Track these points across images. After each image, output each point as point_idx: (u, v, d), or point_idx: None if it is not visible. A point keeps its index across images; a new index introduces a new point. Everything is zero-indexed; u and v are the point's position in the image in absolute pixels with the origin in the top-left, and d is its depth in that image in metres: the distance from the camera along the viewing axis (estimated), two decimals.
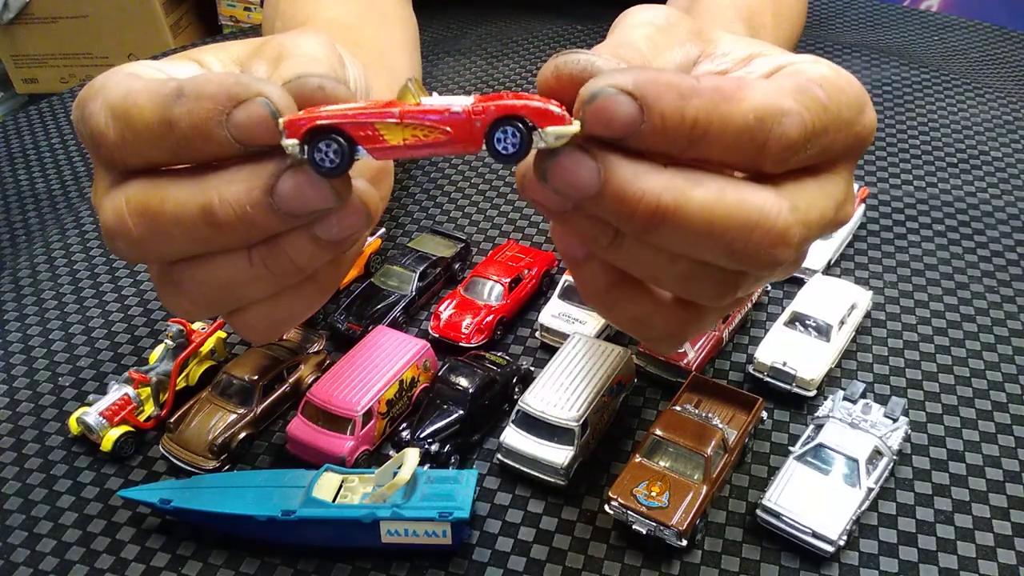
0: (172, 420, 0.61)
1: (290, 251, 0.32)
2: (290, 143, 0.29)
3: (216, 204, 0.30)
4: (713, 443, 0.55)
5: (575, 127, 0.29)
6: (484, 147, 0.29)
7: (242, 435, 0.60)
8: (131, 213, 0.32)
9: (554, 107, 0.29)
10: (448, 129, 0.29)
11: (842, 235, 0.76)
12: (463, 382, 0.61)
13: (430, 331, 0.69)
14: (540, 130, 0.29)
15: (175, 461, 0.60)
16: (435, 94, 0.31)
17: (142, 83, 0.31)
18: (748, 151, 0.30)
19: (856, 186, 0.78)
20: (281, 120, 0.29)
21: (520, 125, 0.29)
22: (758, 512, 0.54)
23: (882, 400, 0.62)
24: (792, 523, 0.52)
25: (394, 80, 0.68)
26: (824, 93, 0.32)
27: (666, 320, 0.36)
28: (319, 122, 0.29)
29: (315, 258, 0.33)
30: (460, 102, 0.29)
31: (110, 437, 0.60)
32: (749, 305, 0.69)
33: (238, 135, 0.29)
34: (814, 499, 0.53)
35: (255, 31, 1.30)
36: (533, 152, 0.30)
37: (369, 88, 0.38)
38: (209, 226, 0.31)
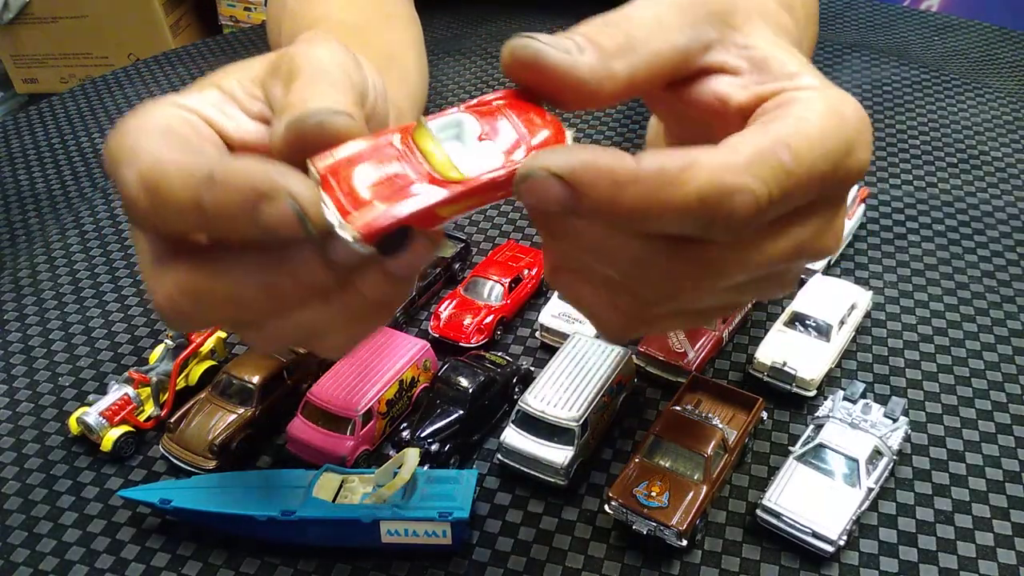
0: (172, 420, 0.61)
1: (366, 290, 0.33)
2: (367, 250, 0.29)
3: (284, 285, 0.31)
4: (713, 443, 0.55)
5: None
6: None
7: (242, 435, 0.60)
8: (183, 295, 0.32)
9: (558, 133, 0.31)
10: (489, 195, 0.31)
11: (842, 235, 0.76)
12: (463, 382, 0.61)
13: (430, 331, 0.69)
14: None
15: (175, 461, 0.60)
16: (430, 121, 0.31)
17: (174, 157, 0.31)
18: (695, 229, 0.30)
19: (856, 186, 0.78)
20: (355, 226, 0.29)
21: None
22: (758, 512, 0.54)
23: (882, 400, 0.62)
24: (792, 523, 0.52)
25: (404, 77, 0.68)
26: (791, 156, 0.31)
27: (607, 311, 0.36)
28: (392, 226, 0.29)
29: (391, 291, 0.33)
30: (494, 160, 0.30)
31: (110, 437, 0.60)
32: (749, 305, 0.69)
33: (265, 229, 0.29)
34: (814, 499, 0.53)
35: (255, 31, 1.30)
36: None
37: (385, 89, 0.38)
38: (274, 300, 0.31)
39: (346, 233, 0.29)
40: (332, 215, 0.29)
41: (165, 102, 0.35)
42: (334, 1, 0.68)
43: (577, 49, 0.32)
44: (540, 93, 0.33)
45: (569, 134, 0.33)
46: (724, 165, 0.30)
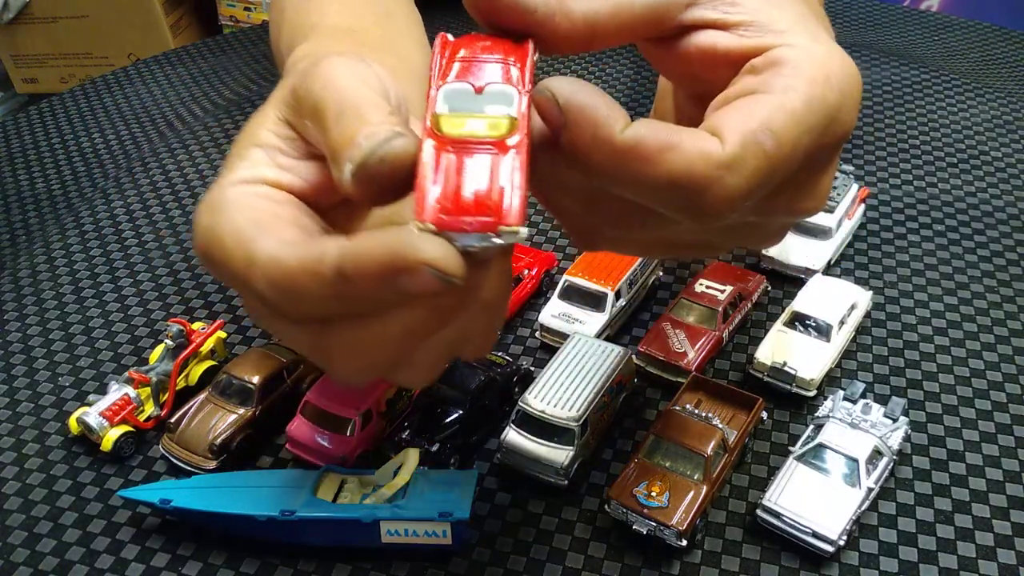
0: (172, 420, 0.61)
1: (489, 291, 0.33)
2: (522, 233, 0.29)
3: (424, 319, 0.32)
4: (713, 443, 0.55)
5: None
6: None
7: (242, 435, 0.60)
8: (313, 349, 0.34)
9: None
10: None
11: (842, 235, 0.76)
12: (463, 382, 0.61)
13: None
14: None
15: (175, 461, 0.60)
16: (437, 109, 0.31)
17: (298, 255, 0.31)
18: (659, 207, 0.31)
19: (856, 186, 0.78)
20: (512, 224, 0.29)
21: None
22: (758, 512, 0.54)
23: (882, 400, 0.62)
24: (792, 523, 0.52)
25: (410, 69, 0.68)
26: (773, 142, 0.31)
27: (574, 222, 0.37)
28: (524, 200, 0.29)
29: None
30: (511, 93, 0.31)
31: (110, 437, 0.60)
32: (749, 305, 0.69)
33: (410, 296, 0.30)
34: (814, 499, 0.53)
35: (255, 31, 1.30)
36: None
37: (396, 84, 0.38)
38: (418, 336, 0.32)
39: (503, 239, 0.29)
40: (473, 238, 0.29)
41: (232, 188, 0.35)
42: (330, 5, 0.68)
43: None
44: (491, 23, 0.33)
45: (531, 48, 0.32)
46: (704, 155, 0.30)
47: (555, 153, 0.32)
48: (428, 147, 0.30)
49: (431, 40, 0.35)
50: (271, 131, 0.37)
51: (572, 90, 0.30)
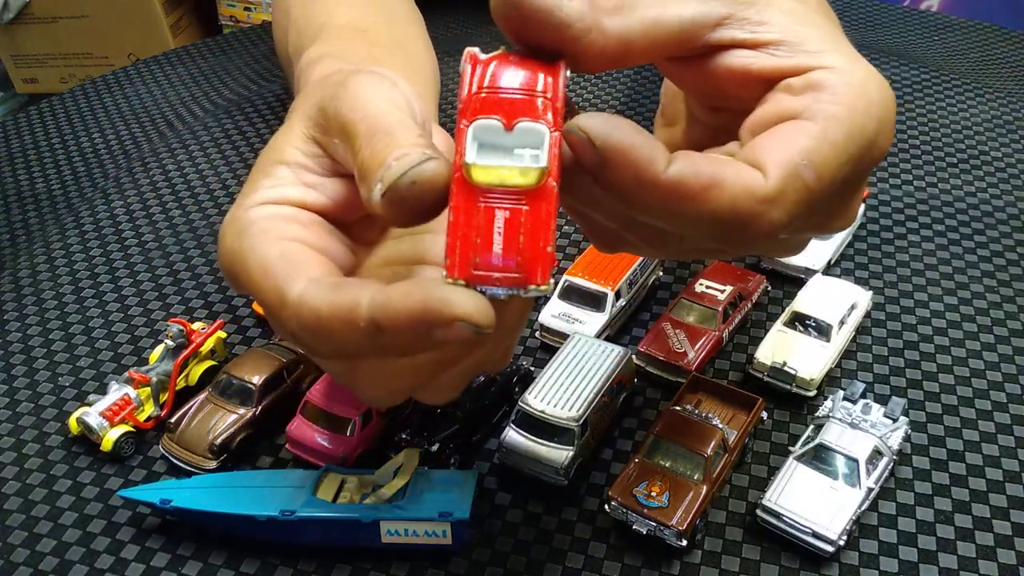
0: (172, 420, 0.61)
1: (509, 320, 0.34)
2: (545, 293, 0.30)
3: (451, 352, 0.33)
4: (713, 443, 0.55)
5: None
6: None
7: (242, 435, 0.60)
8: (341, 376, 0.36)
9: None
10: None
11: (842, 235, 0.76)
12: None
13: None
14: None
15: (175, 461, 0.60)
16: (467, 158, 0.31)
17: (328, 304, 0.31)
18: (702, 239, 0.31)
19: None
20: (539, 284, 0.30)
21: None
22: (758, 512, 0.54)
23: (882, 400, 0.62)
24: (792, 523, 0.52)
25: (417, 69, 0.68)
26: (815, 176, 0.31)
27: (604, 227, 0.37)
28: (551, 258, 0.30)
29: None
30: (539, 138, 0.30)
31: (110, 437, 0.60)
32: (749, 305, 0.69)
33: (444, 346, 0.30)
34: (814, 499, 0.53)
35: (255, 31, 1.30)
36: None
37: (421, 100, 0.38)
38: (443, 364, 0.34)
39: (534, 293, 0.30)
40: (501, 291, 0.30)
41: (256, 209, 0.36)
42: (336, 6, 0.68)
43: None
44: (523, 39, 0.31)
45: (563, 71, 0.32)
46: (748, 191, 0.30)
47: (590, 179, 0.31)
48: (458, 196, 0.30)
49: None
50: (298, 148, 0.37)
51: (607, 131, 0.29)
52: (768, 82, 0.34)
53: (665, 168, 0.29)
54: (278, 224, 0.35)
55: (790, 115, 0.33)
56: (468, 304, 0.29)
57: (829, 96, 0.32)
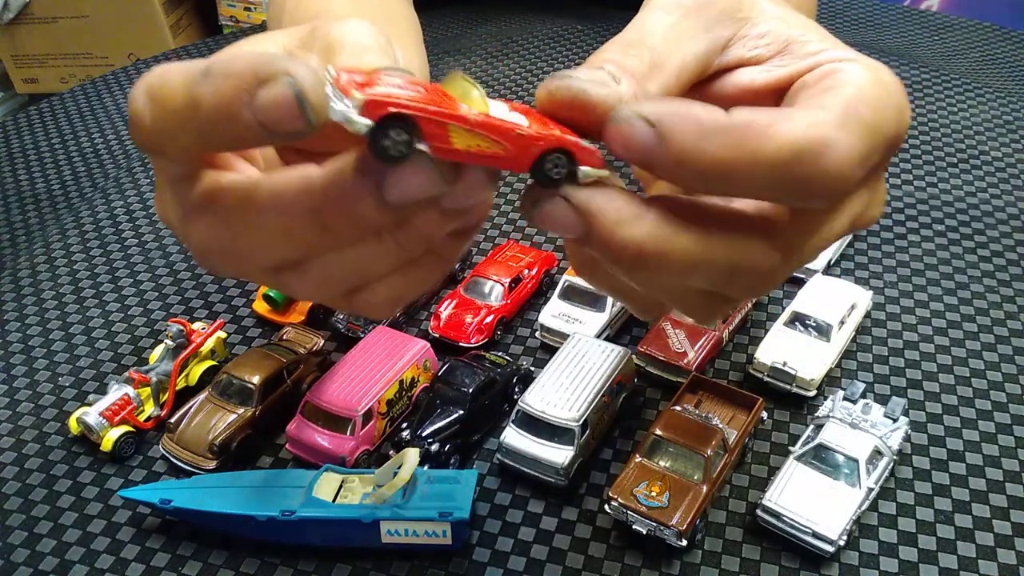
0: (172, 420, 0.61)
1: (420, 225, 0.31)
2: (363, 122, 0.27)
3: (334, 215, 0.29)
4: (713, 443, 0.55)
5: (604, 172, 0.30)
6: (529, 170, 0.30)
7: (242, 435, 0.60)
8: (220, 232, 0.31)
9: (595, 150, 0.30)
10: (508, 147, 0.29)
11: None
12: (463, 382, 0.61)
13: (430, 331, 0.69)
14: (580, 167, 0.30)
15: (175, 461, 0.60)
16: (486, 98, 0.30)
17: (178, 65, 0.29)
18: (788, 190, 0.29)
19: None
20: (359, 97, 0.27)
21: (567, 158, 0.30)
22: (758, 512, 0.54)
23: (882, 400, 0.62)
24: (792, 523, 0.52)
25: (408, 64, 0.68)
26: (870, 112, 0.30)
27: (645, 298, 0.36)
28: (400, 111, 0.27)
29: (445, 227, 0.32)
30: (522, 121, 0.29)
31: (110, 437, 0.60)
32: (749, 305, 0.69)
33: (262, 118, 0.26)
34: (814, 499, 0.53)
35: (255, 31, 1.30)
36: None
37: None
38: (322, 232, 0.30)
39: (344, 106, 0.27)
40: (331, 90, 0.27)
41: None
42: (335, 2, 0.68)
43: (613, 80, 0.32)
44: (581, 128, 0.31)
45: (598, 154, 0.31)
46: (815, 119, 0.29)
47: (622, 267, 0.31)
48: (420, 84, 0.29)
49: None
50: (267, 48, 0.36)
51: (655, 102, 0.29)
52: (779, 91, 0.35)
53: (728, 114, 0.29)
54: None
55: (816, 95, 0.33)
56: (304, 68, 0.26)
57: (846, 76, 0.32)
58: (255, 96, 0.26)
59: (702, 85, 0.36)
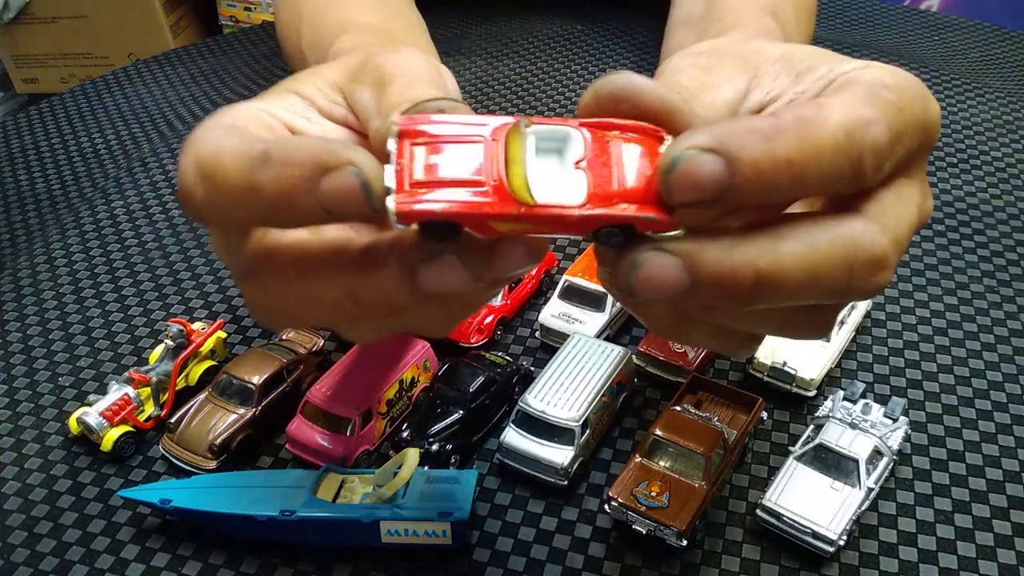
0: (172, 420, 0.61)
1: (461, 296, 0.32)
2: (401, 227, 0.28)
3: (361, 296, 0.31)
4: (713, 443, 0.55)
5: (679, 232, 0.29)
6: (590, 237, 0.29)
7: (242, 435, 0.60)
8: (268, 298, 0.32)
9: (657, 216, 0.28)
10: (558, 231, 0.29)
11: None
12: (463, 382, 0.61)
13: None
14: (646, 234, 0.29)
15: (175, 461, 0.60)
16: (533, 126, 0.29)
17: (232, 143, 0.29)
18: (846, 172, 0.29)
19: None
20: (391, 204, 0.27)
21: (621, 231, 0.29)
22: (758, 512, 0.54)
23: (882, 400, 0.62)
24: (792, 523, 0.52)
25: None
26: (893, 95, 0.30)
27: (740, 336, 0.35)
28: (435, 213, 0.27)
29: (485, 297, 0.34)
30: (576, 197, 0.28)
31: (110, 437, 0.60)
32: None
33: (326, 205, 0.27)
34: (814, 499, 0.53)
35: (255, 31, 1.30)
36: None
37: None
38: (356, 305, 0.31)
39: (390, 206, 0.27)
40: (388, 174, 0.28)
41: (244, 104, 0.34)
42: (353, 6, 0.68)
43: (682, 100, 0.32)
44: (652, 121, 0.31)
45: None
46: (847, 100, 0.29)
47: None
48: (484, 125, 0.29)
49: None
50: (318, 88, 0.36)
51: (705, 130, 0.28)
52: None
53: (775, 117, 0.28)
54: (251, 118, 0.33)
55: (834, 91, 0.33)
56: (366, 157, 0.27)
57: (864, 74, 0.32)
58: (320, 184, 0.27)
59: None
